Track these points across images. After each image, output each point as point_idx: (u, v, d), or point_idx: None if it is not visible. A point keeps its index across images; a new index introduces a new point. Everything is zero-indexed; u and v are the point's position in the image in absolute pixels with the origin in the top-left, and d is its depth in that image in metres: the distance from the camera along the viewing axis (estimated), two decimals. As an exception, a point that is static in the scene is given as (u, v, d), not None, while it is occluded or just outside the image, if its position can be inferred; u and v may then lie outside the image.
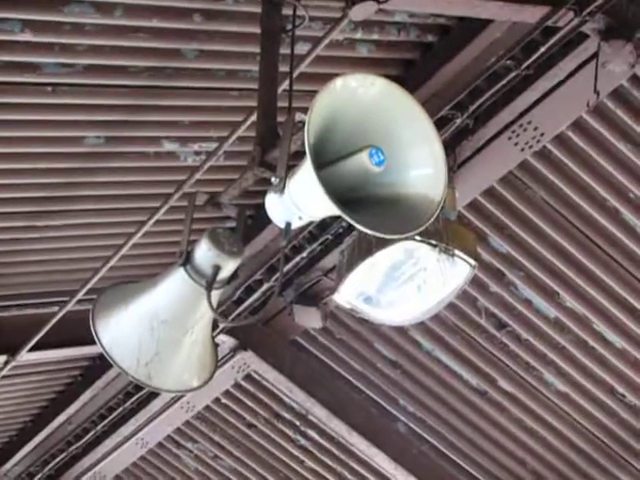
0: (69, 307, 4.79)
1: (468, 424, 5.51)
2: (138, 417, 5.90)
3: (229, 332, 5.25)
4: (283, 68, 3.32)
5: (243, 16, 3.71)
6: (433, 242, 4.14)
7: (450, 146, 4.25)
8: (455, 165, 4.32)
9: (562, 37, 3.93)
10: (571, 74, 4.06)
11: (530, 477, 5.61)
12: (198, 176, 4.16)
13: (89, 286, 4.66)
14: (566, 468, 5.52)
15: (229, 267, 3.09)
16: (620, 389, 5.16)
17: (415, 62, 4.20)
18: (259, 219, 4.58)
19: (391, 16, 3.95)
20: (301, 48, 3.76)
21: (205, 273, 3.08)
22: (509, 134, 4.27)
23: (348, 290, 4.36)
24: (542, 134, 4.26)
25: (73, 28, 3.54)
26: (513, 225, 4.69)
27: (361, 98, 2.77)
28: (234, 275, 3.14)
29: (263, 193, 2.92)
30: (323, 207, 2.72)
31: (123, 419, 5.96)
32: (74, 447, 6.21)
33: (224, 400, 5.82)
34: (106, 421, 5.98)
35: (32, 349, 5.07)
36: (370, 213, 2.77)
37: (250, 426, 5.92)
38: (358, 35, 3.97)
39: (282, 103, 3.22)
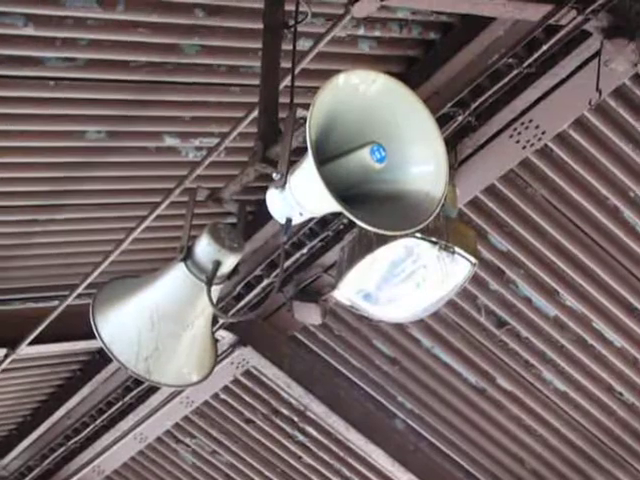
0: (69, 301, 4.79)
1: (466, 421, 5.51)
2: (137, 412, 5.90)
3: (229, 328, 5.25)
4: (285, 64, 3.31)
5: (245, 11, 3.71)
6: (433, 239, 4.14)
7: (451, 143, 4.25)
8: (456, 162, 4.31)
9: (564, 35, 3.93)
10: (573, 72, 4.05)
11: (528, 475, 5.61)
12: (199, 171, 4.16)
13: (89, 280, 4.66)
14: (563, 466, 5.53)
15: (229, 262, 3.09)
16: (618, 387, 5.16)
17: (417, 59, 4.20)
18: (260, 215, 4.58)
19: (393, 13, 3.95)
20: (303, 44, 3.76)
21: (205, 268, 3.08)
22: (511, 132, 4.26)
23: (348, 287, 4.36)
24: (543, 132, 4.25)
25: (75, 23, 3.54)
26: (513, 223, 4.69)
27: (363, 95, 2.76)
28: (234, 271, 3.13)
29: (264, 189, 2.92)
30: (324, 203, 2.72)
31: (122, 414, 5.96)
32: (73, 441, 6.22)
33: (223, 396, 5.82)
34: (105, 416, 5.98)
35: (32, 343, 5.07)
36: (371, 210, 2.77)
37: (248, 422, 5.92)
38: (360, 32, 3.97)
39: (284, 99, 3.22)
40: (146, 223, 4.38)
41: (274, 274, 4.92)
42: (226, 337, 5.32)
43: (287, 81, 3.43)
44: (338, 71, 2.73)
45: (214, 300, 3.09)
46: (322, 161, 2.72)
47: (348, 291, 4.38)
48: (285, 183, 2.83)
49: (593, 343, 5.03)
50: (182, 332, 3.22)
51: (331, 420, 5.57)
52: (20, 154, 4.06)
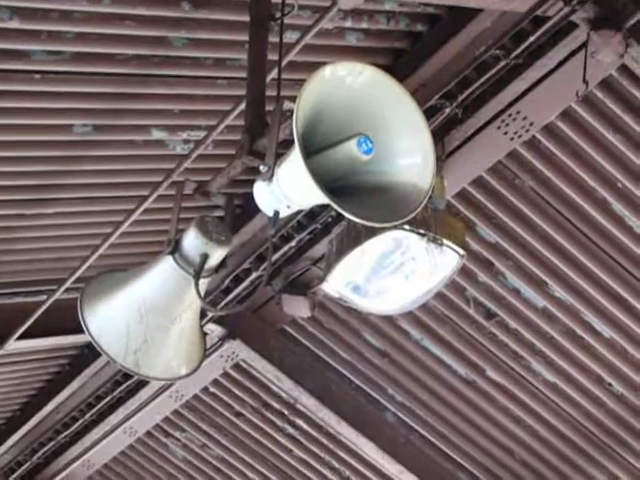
0: (57, 296, 4.78)
1: (456, 413, 5.51)
2: (127, 406, 5.90)
3: (217, 321, 5.25)
4: (272, 56, 3.30)
5: (231, 4, 3.70)
6: (421, 231, 4.14)
7: (439, 135, 4.25)
8: (444, 154, 4.31)
9: (551, 27, 3.93)
10: (560, 64, 4.05)
11: (518, 466, 5.62)
12: (187, 164, 4.16)
13: (77, 275, 4.66)
14: (553, 457, 5.54)
15: (217, 255, 3.09)
16: (608, 379, 5.17)
17: (404, 51, 4.20)
18: (247, 208, 4.57)
19: (380, 5, 3.95)
20: (290, 36, 3.75)
21: (193, 261, 3.08)
22: (498, 123, 4.26)
23: (337, 279, 4.36)
24: (531, 124, 4.26)
25: (61, 15, 3.53)
26: (502, 215, 4.69)
27: (350, 87, 2.76)
28: (222, 264, 3.13)
29: (251, 182, 2.92)
30: (312, 195, 2.72)
31: (112, 408, 5.96)
32: (62, 436, 6.21)
33: (213, 389, 5.82)
34: (94, 410, 5.98)
35: (20, 338, 5.06)
36: (358, 202, 2.77)
37: (238, 415, 5.92)
38: (347, 24, 3.96)
39: (271, 92, 3.21)
40: (134, 217, 4.38)
41: (262, 267, 4.91)
42: (215, 330, 5.32)
43: (274, 74, 3.42)
44: (325, 63, 2.73)
45: (202, 293, 3.09)
46: (309, 153, 2.71)
47: (337, 284, 4.38)
48: (272, 176, 2.83)
49: (582, 334, 5.04)
50: (170, 325, 3.21)
51: (321, 413, 5.57)
52: (6, 148, 4.05)
